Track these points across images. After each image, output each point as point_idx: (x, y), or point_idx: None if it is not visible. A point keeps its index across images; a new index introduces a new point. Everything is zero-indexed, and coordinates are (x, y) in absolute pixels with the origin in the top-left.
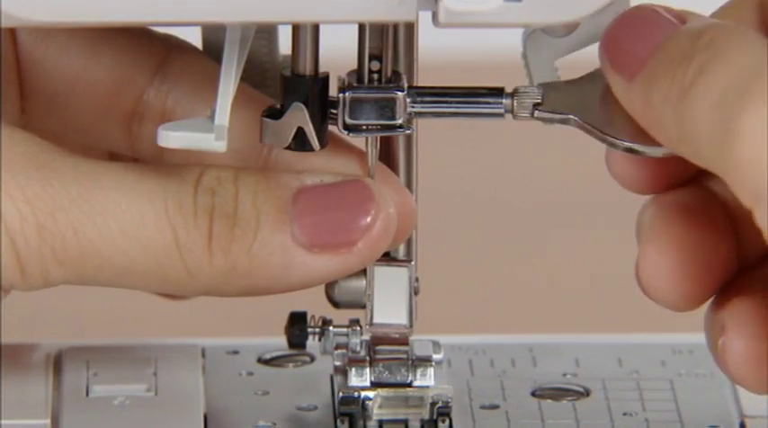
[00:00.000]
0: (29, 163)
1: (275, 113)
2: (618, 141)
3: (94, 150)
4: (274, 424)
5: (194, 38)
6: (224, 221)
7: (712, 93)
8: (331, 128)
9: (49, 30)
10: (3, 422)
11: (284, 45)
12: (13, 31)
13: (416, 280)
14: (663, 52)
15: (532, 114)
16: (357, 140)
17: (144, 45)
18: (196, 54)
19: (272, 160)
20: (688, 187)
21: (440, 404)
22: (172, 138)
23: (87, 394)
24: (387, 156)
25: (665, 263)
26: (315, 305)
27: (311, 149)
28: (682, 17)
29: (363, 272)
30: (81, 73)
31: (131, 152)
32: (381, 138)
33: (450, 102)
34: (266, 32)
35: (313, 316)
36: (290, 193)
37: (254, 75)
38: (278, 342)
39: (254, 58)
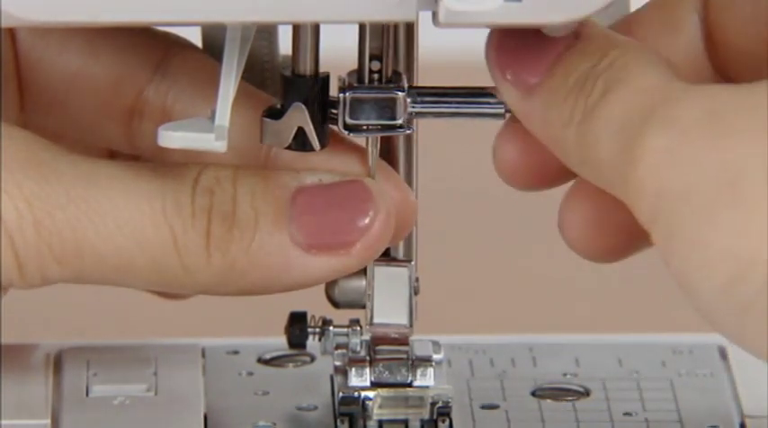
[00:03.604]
0: (27, 161)
1: (275, 113)
2: None
3: (94, 148)
4: (274, 424)
5: (194, 38)
6: (222, 221)
7: (615, 118)
8: (331, 127)
9: (48, 28)
10: (3, 422)
11: (284, 45)
12: (12, 30)
13: (416, 280)
14: (562, 72)
15: None
16: (357, 140)
17: (143, 42)
18: (195, 51)
19: (272, 158)
20: None
21: (440, 404)
22: (172, 138)
23: (87, 394)
24: (387, 155)
25: (582, 214)
26: (315, 305)
27: (311, 149)
28: (575, 29)
29: (363, 272)
30: (80, 71)
31: (131, 149)
32: (381, 138)
33: (451, 102)
34: (266, 32)
35: (313, 316)
36: (288, 194)
37: (254, 76)
38: (278, 342)
39: (254, 59)
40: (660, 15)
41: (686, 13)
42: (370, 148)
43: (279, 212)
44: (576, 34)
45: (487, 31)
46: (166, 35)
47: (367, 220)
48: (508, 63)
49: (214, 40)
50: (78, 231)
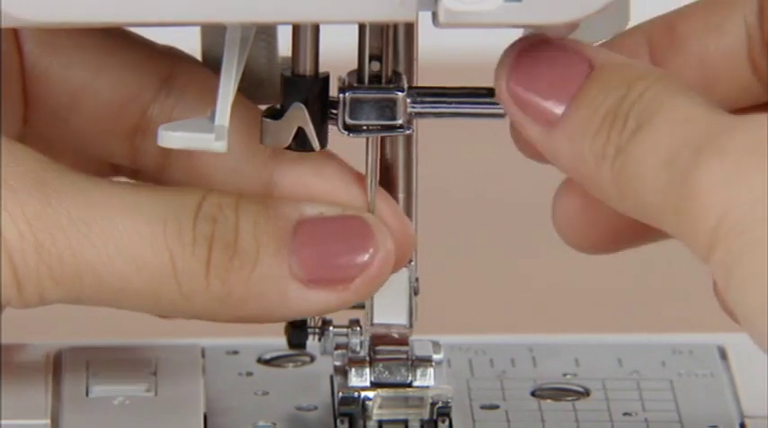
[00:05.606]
0: (30, 181)
1: (275, 113)
2: None
3: (95, 161)
4: (274, 424)
5: (194, 38)
6: (223, 250)
7: (657, 151)
8: (331, 127)
9: (56, 41)
10: (3, 422)
11: (284, 46)
12: (18, 40)
13: (416, 280)
14: (587, 105)
15: None
16: (357, 142)
17: (149, 59)
18: (200, 68)
19: (273, 182)
20: None
21: (440, 404)
22: (172, 137)
23: (87, 394)
24: (387, 156)
25: (574, 206)
26: None
27: (311, 149)
28: (585, 53)
29: None
30: (85, 86)
31: (133, 164)
32: (381, 138)
33: (450, 102)
34: (265, 35)
35: (313, 317)
36: (290, 225)
37: (252, 84)
38: (278, 342)
39: (252, 65)
40: (706, 15)
41: (735, 16)
42: (370, 150)
43: (280, 244)
44: (591, 64)
45: (488, 31)
46: (172, 52)
47: (367, 257)
48: (525, 96)
49: (213, 53)
50: (78, 254)
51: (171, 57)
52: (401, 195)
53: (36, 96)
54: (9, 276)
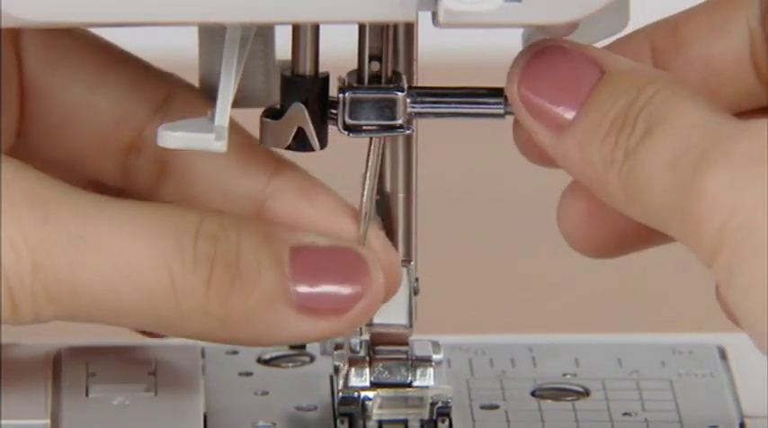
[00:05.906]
0: (28, 198)
1: (275, 113)
2: None
3: (82, 179)
4: (274, 424)
5: (193, 39)
6: (225, 270)
7: (665, 157)
8: (331, 127)
9: (57, 57)
10: (3, 422)
11: (283, 47)
12: (20, 56)
13: (416, 280)
14: (596, 110)
15: None
16: (357, 142)
17: (148, 81)
18: (198, 96)
19: (266, 208)
20: None
21: (440, 404)
22: (172, 137)
23: (87, 394)
24: (386, 157)
25: (580, 209)
26: None
27: (311, 149)
28: (596, 58)
29: None
30: (83, 103)
31: (122, 184)
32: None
33: (450, 103)
34: (262, 36)
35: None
36: (287, 250)
37: (249, 88)
38: None
39: (249, 69)
40: (708, 18)
41: (738, 19)
42: (373, 151)
43: (279, 269)
44: (602, 69)
45: (487, 31)
46: (171, 76)
47: (360, 289)
48: (536, 101)
49: (210, 79)
50: (76, 272)
51: (169, 81)
52: (401, 195)
53: (32, 110)
54: (5, 296)
